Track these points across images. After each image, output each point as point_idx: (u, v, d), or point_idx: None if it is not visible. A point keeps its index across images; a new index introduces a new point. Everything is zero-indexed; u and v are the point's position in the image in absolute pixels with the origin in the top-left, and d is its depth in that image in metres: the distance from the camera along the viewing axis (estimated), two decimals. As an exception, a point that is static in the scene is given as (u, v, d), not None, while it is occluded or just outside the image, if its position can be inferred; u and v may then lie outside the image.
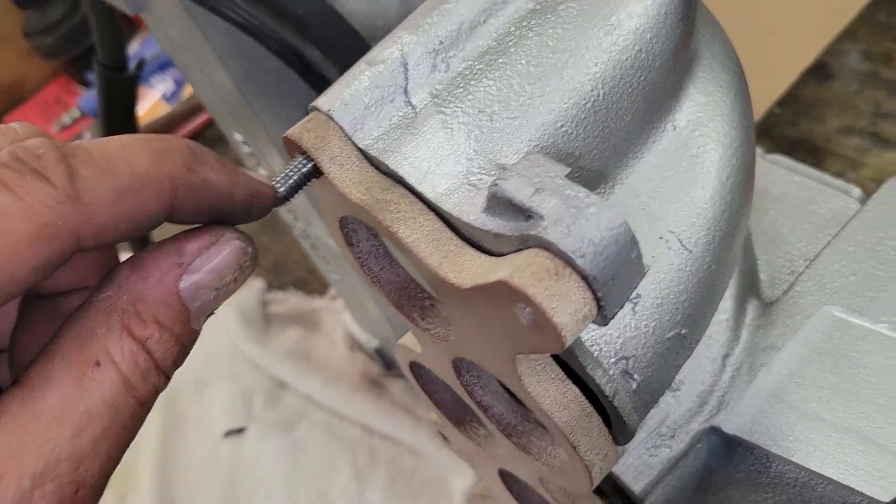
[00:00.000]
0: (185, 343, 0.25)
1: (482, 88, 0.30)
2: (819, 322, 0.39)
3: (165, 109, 1.15)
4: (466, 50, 0.30)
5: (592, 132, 0.30)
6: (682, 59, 0.33)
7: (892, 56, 0.92)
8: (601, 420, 0.29)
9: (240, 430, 0.85)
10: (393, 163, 0.29)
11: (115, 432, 0.23)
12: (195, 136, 1.15)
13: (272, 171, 0.62)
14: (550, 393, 0.28)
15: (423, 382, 0.41)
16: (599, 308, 0.23)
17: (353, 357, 0.85)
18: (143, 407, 0.24)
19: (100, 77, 0.73)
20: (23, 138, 0.23)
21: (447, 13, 0.31)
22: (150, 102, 1.18)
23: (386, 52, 0.30)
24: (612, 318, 0.24)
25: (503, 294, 0.23)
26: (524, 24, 0.31)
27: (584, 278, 0.23)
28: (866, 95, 0.90)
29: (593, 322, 0.24)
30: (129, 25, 1.24)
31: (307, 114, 0.30)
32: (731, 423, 0.37)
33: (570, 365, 0.29)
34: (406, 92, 0.30)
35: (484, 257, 0.26)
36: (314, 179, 0.30)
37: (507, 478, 0.42)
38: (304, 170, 0.29)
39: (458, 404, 0.40)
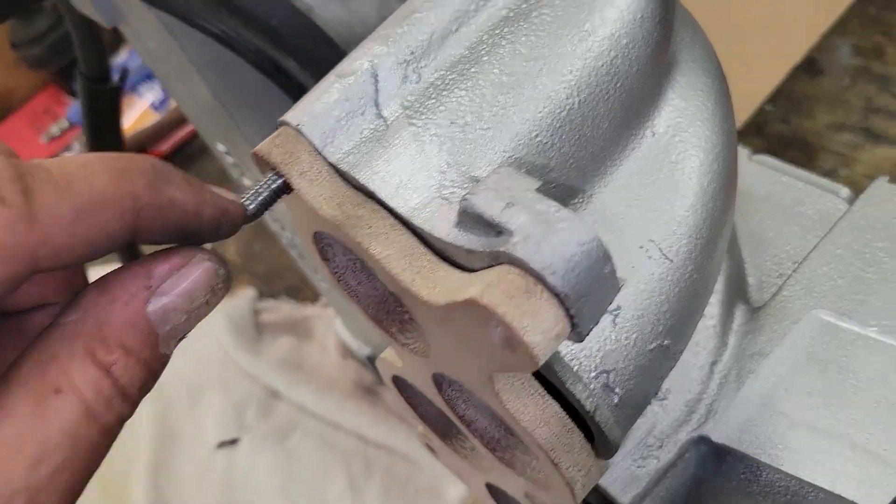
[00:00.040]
0: (153, 368, 0.24)
1: (454, 99, 0.29)
2: (807, 327, 0.38)
3: (154, 118, 1.14)
4: (438, 60, 0.30)
5: (568, 141, 0.30)
6: (661, 64, 0.32)
7: (883, 50, 0.91)
8: (583, 436, 0.29)
9: (233, 441, 0.84)
10: (364, 177, 0.28)
11: (75, 463, 0.22)
12: (183, 145, 1.14)
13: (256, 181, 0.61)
14: (530, 409, 0.28)
15: (408, 395, 0.40)
16: (573, 325, 0.23)
17: (346, 365, 0.84)
18: (107, 436, 0.23)
19: (83, 88, 0.73)
20: None
21: (418, 22, 0.30)
22: (139, 111, 1.17)
23: (356, 64, 0.30)
24: (588, 334, 0.23)
25: (474, 312, 0.23)
26: (497, 31, 0.30)
27: (556, 295, 0.22)
28: (857, 90, 0.90)
29: (568, 339, 0.23)
30: (115, 36, 1.24)
31: (277, 128, 0.30)
32: (720, 432, 0.36)
33: (550, 379, 0.29)
34: (377, 104, 0.29)
35: (458, 273, 0.26)
36: (285, 195, 0.29)
37: (494, 491, 0.41)
38: (274, 186, 0.29)
39: (443, 417, 0.40)
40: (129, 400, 0.23)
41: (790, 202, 0.46)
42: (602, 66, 0.30)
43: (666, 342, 0.30)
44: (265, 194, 0.29)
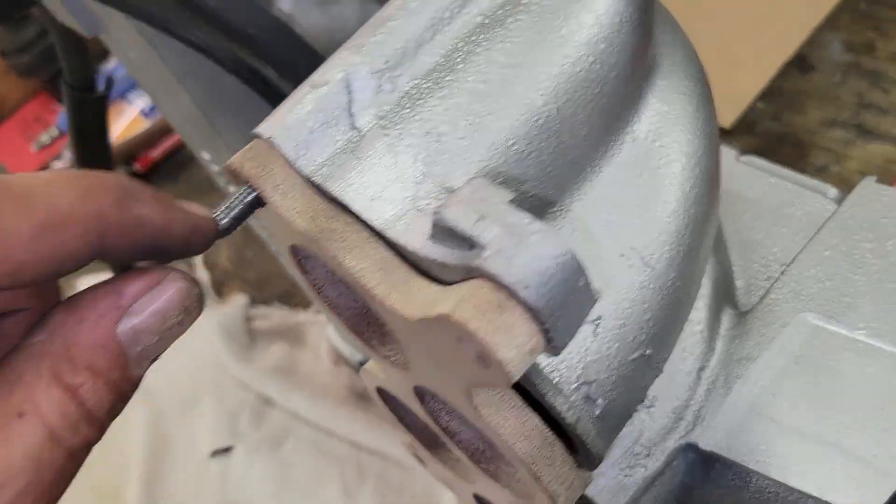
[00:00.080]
0: (122, 391, 0.24)
1: (429, 108, 0.29)
2: (795, 330, 0.38)
3: (144, 125, 1.14)
4: (413, 68, 0.29)
5: (546, 149, 0.29)
6: (640, 68, 0.32)
7: (873, 46, 0.91)
8: (564, 448, 0.28)
9: (227, 450, 0.84)
10: (337, 189, 0.28)
11: (39, 487, 0.22)
12: (174, 151, 1.13)
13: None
14: (510, 423, 0.27)
15: (392, 406, 0.39)
16: (548, 340, 0.22)
17: (339, 371, 0.84)
18: (73, 460, 0.23)
19: (68, 97, 0.72)
20: None
21: (392, 31, 0.30)
22: (129, 118, 1.17)
23: (329, 75, 0.29)
24: (564, 347, 0.23)
25: (448, 327, 0.22)
26: (472, 39, 0.30)
27: (529, 310, 0.22)
28: (849, 86, 0.89)
29: (544, 353, 0.23)
30: (102, 45, 1.23)
31: (250, 140, 0.29)
32: (708, 439, 0.36)
33: (531, 391, 0.28)
34: (351, 115, 0.29)
35: (433, 286, 0.25)
36: (259, 209, 0.29)
37: (482, 502, 0.41)
38: (248, 200, 0.28)
39: (429, 428, 0.39)
40: (96, 424, 0.23)
41: (778, 203, 0.45)
42: (580, 71, 0.30)
43: (648, 351, 0.30)
44: (238, 208, 0.28)
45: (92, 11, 0.49)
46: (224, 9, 0.39)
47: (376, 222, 0.27)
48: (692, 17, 0.89)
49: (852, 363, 0.36)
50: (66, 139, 1.24)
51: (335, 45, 0.44)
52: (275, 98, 0.43)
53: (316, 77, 0.29)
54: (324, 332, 0.86)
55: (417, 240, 0.26)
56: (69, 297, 0.24)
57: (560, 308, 0.22)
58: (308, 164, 0.28)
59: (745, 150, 0.87)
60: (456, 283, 0.24)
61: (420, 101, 0.29)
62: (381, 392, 0.38)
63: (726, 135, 0.87)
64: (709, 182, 0.32)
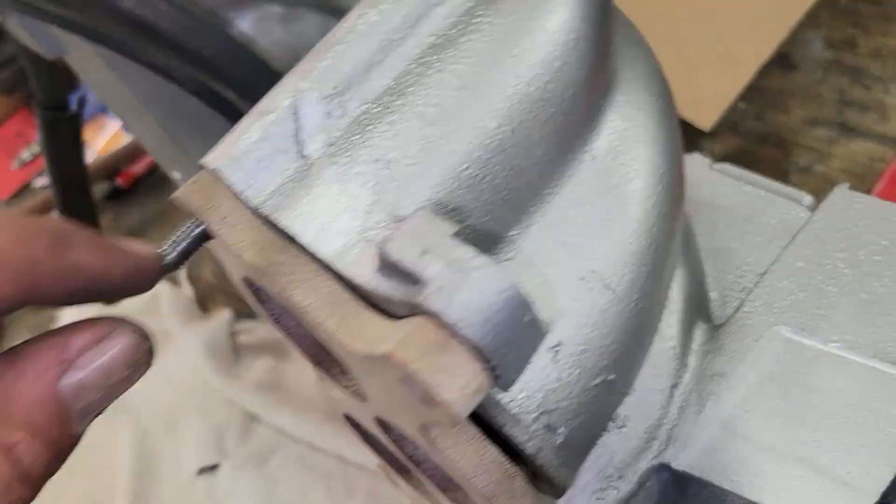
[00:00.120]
0: (61, 448, 0.23)
1: (379, 134, 0.28)
2: (768, 344, 0.37)
3: (126, 139, 1.13)
4: (363, 92, 0.29)
5: (501, 172, 0.28)
6: (598, 85, 0.31)
7: (854, 42, 0.90)
8: (526, 480, 0.27)
9: (213, 468, 0.83)
10: (286, 220, 0.27)
11: None
12: (155, 167, 1.13)
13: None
14: (468, 457, 0.27)
15: (361, 431, 0.39)
16: (496, 377, 0.21)
17: (324, 384, 0.83)
18: None
19: (41, 117, 0.72)
20: None
21: (341, 54, 0.29)
22: (110, 133, 1.16)
23: (276, 102, 0.28)
24: (514, 383, 0.22)
25: (391, 367, 0.22)
26: (424, 60, 0.29)
27: (472, 349, 0.21)
28: (830, 84, 0.89)
29: (495, 389, 0.22)
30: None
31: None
32: (681, 459, 0.35)
33: (489, 422, 0.27)
34: (299, 143, 0.28)
35: (383, 321, 0.24)
36: (209, 241, 0.28)
37: (456, 525, 0.40)
38: (195, 233, 0.28)
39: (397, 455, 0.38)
40: (31, 483, 0.22)
41: (752, 212, 0.44)
42: (534, 91, 0.29)
43: (611, 377, 0.29)
44: (186, 243, 0.27)
45: (52, 34, 0.48)
46: (179, 32, 0.38)
47: (324, 254, 0.26)
48: (670, 19, 0.88)
49: (826, 377, 0.35)
50: (49, 155, 1.23)
51: (298, 61, 0.44)
52: (238, 119, 0.43)
53: (263, 104, 0.29)
54: (308, 345, 0.85)
55: (365, 273, 0.25)
56: (11, 349, 0.24)
57: (506, 345, 0.21)
58: (255, 196, 0.27)
59: (727, 151, 0.86)
60: (406, 317, 0.23)
61: (370, 127, 0.28)
62: (349, 418, 0.38)
63: (708, 136, 0.86)
64: (672, 199, 0.32)
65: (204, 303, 1.00)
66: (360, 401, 0.31)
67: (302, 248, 0.26)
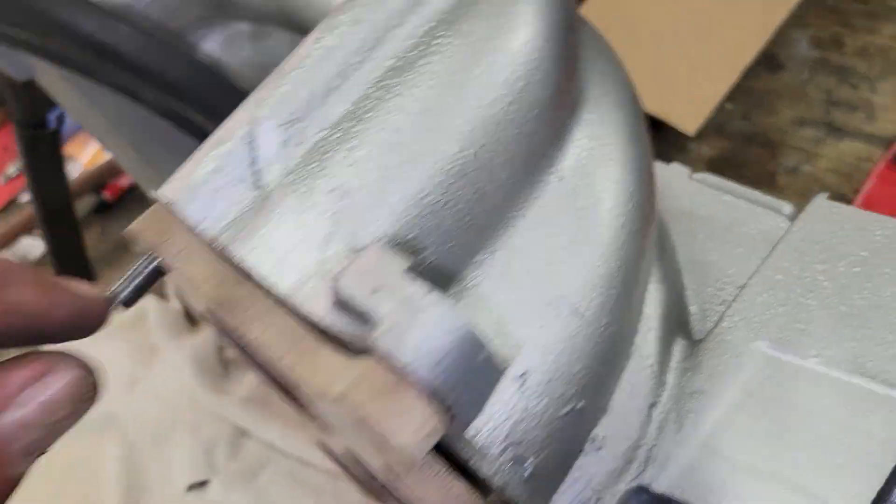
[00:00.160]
0: (1, 491, 0.22)
1: (337, 162, 0.27)
2: (747, 361, 0.36)
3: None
4: (321, 119, 0.28)
5: (464, 197, 0.28)
6: (564, 104, 0.31)
7: (841, 41, 0.90)
8: (494, 514, 0.27)
9: (203, 484, 0.82)
10: (241, 254, 0.26)
11: None
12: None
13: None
14: (433, 492, 0.26)
15: (336, 458, 0.38)
16: (451, 418, 0.21)
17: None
18: None
19: (19, 135, 0.71)
20: None
21: (298, 80, 0.28)
22: (96, 147, 1.15)
23: (232, 130, 0.28)
24: (472, 422, 0.22)
25: (344, 408, 0.21)
26: (383, 84, 0.28)
27: (425, 391, 0.20)
28: (817, 83, 0.88)
29: (452, 429, 0.21)
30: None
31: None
32: (661, 481, 0.35)
33: (455, 455, 0.27)
34: (255, 172, 0.27)
35: (341, 358, 0.24)
36: (165, 275, 0.27)
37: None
38: (150, 268, 0.27)
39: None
40: None
41: (732, 222, 0.44)
42: (497, 113, 0.28)
43: (580, 404, 0.28)
44: (139, 279, 0.27)
45: (20, 56, 0.47)
46: (141, 55, 0.38)
47: (279, 289, 0.25)
48: (653, 23, 0.87)
49: (806, 394, 0.35)
50: (36, 169, 1.22)
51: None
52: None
53: (219, 133, 0.28)
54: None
55: (320, 308, 0.24)
56: None
57: (459, 385, 0.20)
58: (211, 228, 0.27)
59: (714, 153, 0.85)
60: (361, 354, 0.23)
61: (328, 154, 0.27)
62: (323, 445, 0.37)
63: (695, 138, 0.86)
64: (642, 217, 0.31)
65: (192, 317, 0.99)
66: (328, 433, 0.30)
67: (258, 282, 0.26)
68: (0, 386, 0.22)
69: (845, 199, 0.79)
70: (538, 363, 0.28)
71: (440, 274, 0.27)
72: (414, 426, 0.20)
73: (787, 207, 0.44)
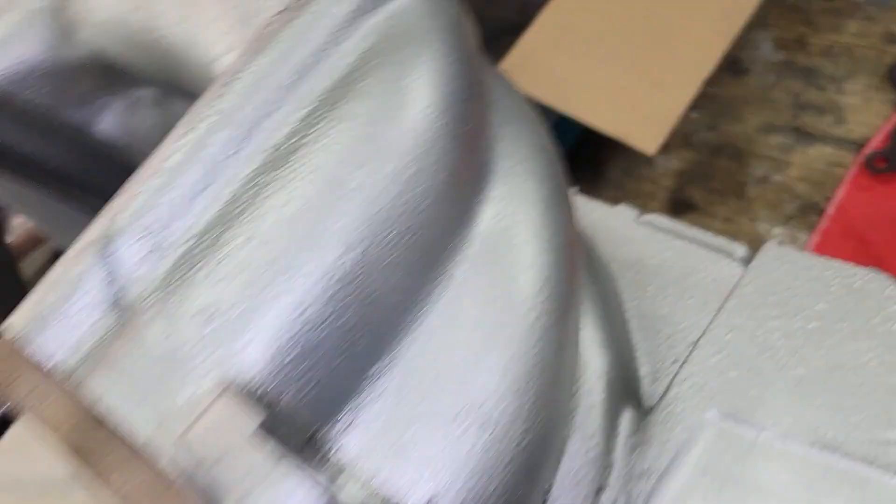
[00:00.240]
0: None
1: (204, 277, 0.24)
2: (699, 434, 0.33)
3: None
4: (186, 227, 0.25)
5: (352, 306, 0.25)
6: (465, 184, 0.28)
7: (805, 41, 0.87)
8: None
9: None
10: (99, 391, 0.23)
11: None
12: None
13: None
14: None
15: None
16: None
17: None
18: None
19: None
20: None
21: (158, 185, 0.25)
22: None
23: (86, 247, 0.25)
24: None
25: None
26: (255, 181, 0.25)
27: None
28: (783, 86, 0.85)
29: None
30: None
31: None
32: (610, 578, 0.32)
33: None
34: (115, 293, 0.24)
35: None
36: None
37: None
38: (-2, 412, 0.24)
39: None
40: None
41: (683, 271, 0.41)
42: (383, 209, 0.25)
43: (498, 528, 0.25)
44: (-15, 427, 0.24)
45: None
46: (23, 145, 0.35)
47: (139, 435, 0.22)
48: (611, 36, 0.84)
49: (763, 471, 0.32)
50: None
51: (140, 151, 0.40)
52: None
53: (72, 251, 0.25)
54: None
55: (180, 462, 0.21)
56: None
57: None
58: (65, 362, 0.24)
59: (682, 166, 0.82)
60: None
61: (195, 269, 0.24)
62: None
63: (661, 151, 0.82)
64: (561, 303, 0.28)
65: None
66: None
67: (115, 428, 0.23)
68: None
69: (818, 207, 0.76)
70: (446, 486, 0.25)
71: (324, 400, 0.24)
72: None
73: (740, 250, 0.41)
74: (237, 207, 0.25)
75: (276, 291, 0.24)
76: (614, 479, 0.34)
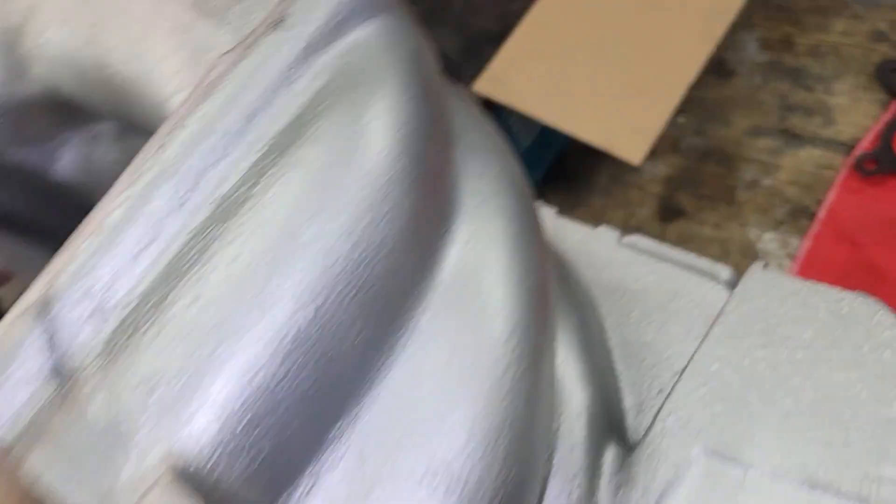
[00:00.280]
0: None
1: (147, 343, 0.23)
2: (685, 472, 0.32)
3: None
4: (129, 288, 0.23)
5: (306, 367, 0.23)
6: (427, 229, 0.26)
7: (792, 41, 0.85)
8: None
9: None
10: (37, 469, 0.22)
11: None
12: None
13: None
14: None
15: None
16: None
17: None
18: None
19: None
20: None
21: (98, 244, 0.24)
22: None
23: (23, 313, 0.23)
24: None
25: None
26: (200, 239, 0.24)
27: None
28: (771, 88, 0.84)
29: None
30: None
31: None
32: None
33: None
34: (56, 359, 0.23)
35: None
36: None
37: None
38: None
39: None
40: None
41: (667, 297, 0.39)
42: (337, 262, 0.24)
43: None
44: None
45: None
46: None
47: (79, 519, 0.21)
48: (592, 42, 0.83)
49: (752, 511, 0.31)
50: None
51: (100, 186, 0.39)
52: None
53: (10, 315, 0.24)
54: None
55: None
56: None
57: None
58: (1, 439, 0.22)
59: (670, 172, 0.81)
60: None
61: (137, 334, 0.23)
62: None
63: (648, 158, 0.81)
64: (532, 348, 0.27)
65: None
66: None
67: (55, 509, 0.21)
68: None
69: (808, 211, 0.74)
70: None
71: (282, 467, 0.23)
72: None
73: (725, 273, 0.40)
74: (183, 265, 0.24)
75: (223, 356, 0.23)
76: (598, 522, 0.32)
